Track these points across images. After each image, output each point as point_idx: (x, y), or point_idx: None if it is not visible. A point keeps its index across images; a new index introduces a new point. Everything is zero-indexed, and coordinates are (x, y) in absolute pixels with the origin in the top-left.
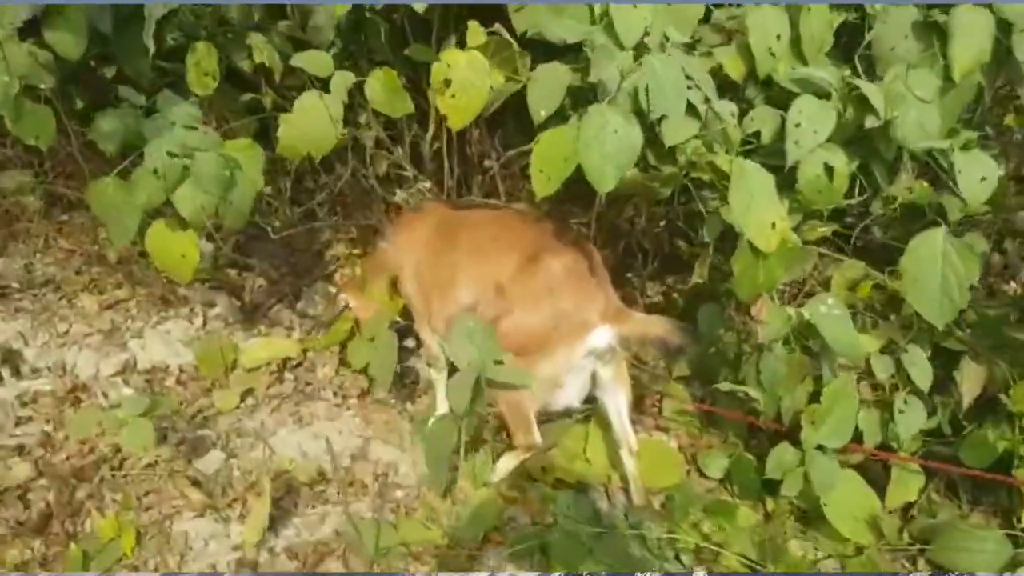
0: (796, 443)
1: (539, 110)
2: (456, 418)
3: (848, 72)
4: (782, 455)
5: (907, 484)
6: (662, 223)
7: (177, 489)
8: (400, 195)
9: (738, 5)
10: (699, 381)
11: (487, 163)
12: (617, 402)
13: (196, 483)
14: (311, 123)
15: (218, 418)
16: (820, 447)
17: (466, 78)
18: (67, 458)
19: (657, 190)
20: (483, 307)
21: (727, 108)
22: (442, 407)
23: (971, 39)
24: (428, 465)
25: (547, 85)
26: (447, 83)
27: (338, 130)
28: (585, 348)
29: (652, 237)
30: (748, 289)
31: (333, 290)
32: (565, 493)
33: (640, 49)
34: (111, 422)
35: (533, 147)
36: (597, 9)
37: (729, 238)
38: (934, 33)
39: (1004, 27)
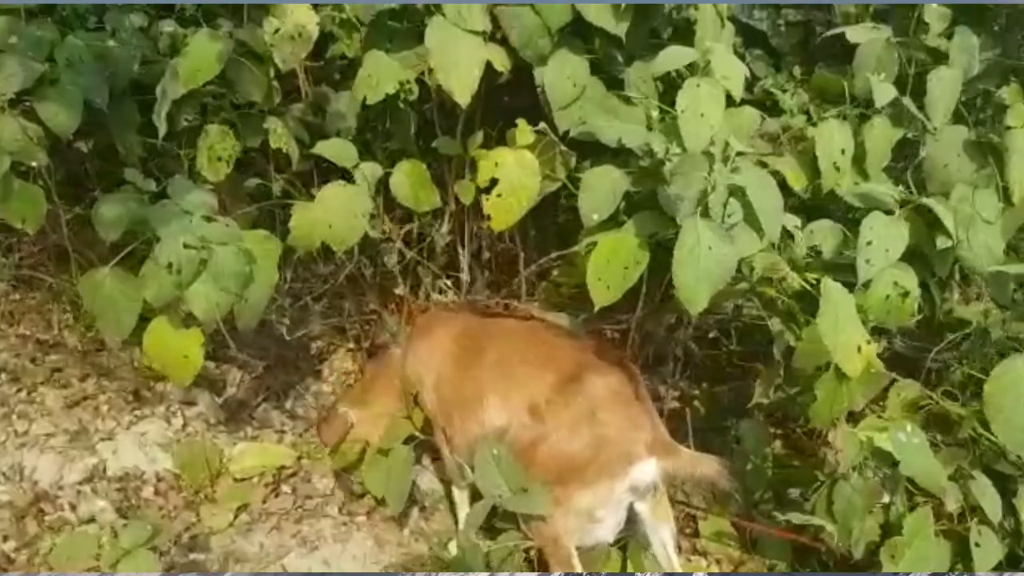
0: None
1: (591, 214)
2: (469, 549)
3: (902, 189)
4: None
5: None
6: (706, 333)
7: None
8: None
9: (792, 114)
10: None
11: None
12: (662, 536)
13: None
14: (335, 215)
15: (210, 539)
16: None
17: (515, 177)
18: None
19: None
20: (515, 430)
21: (791, 221)
22: (464, 528)
23: None
24: None
25: (600, 189)
26: (494, 182)
27: (365, 224)
28: (628, 482)
29: (683, 345)
30: (826, 414)
31: (327, 389)
32: None
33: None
34: (110, 552)
35: (587, 253)
36: (654, 114)
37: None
38: (988, 152)
39: None
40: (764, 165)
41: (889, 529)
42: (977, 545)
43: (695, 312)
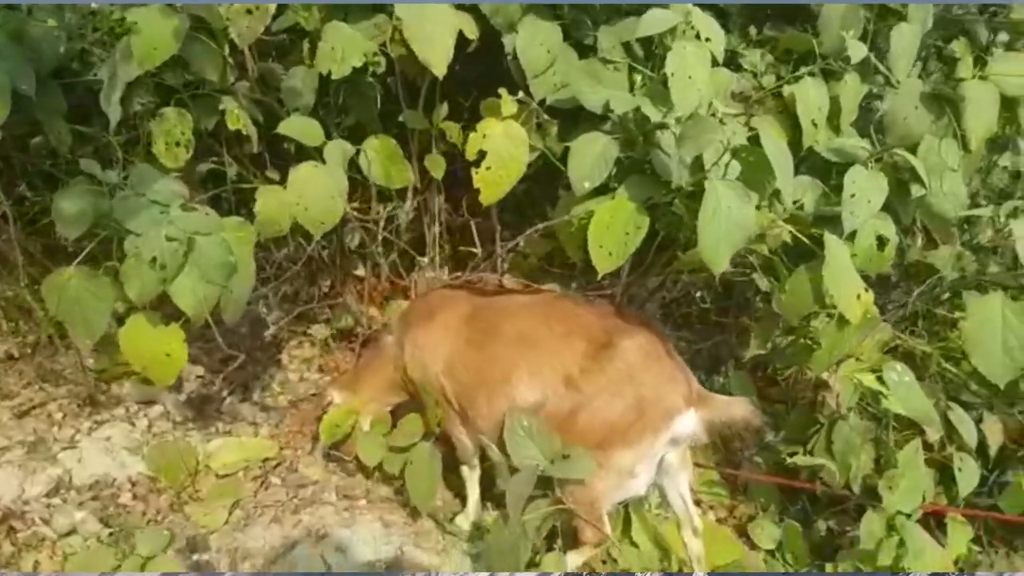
0: (858, 508)
1: (582, 181)
2: (518, 521)
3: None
4: (871, 525)
5: (960, 537)
6: (685, 293)
7: None
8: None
9: (760, 74)
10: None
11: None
12: (679, 484)
13: None
14: (311, 198)
15: (208, 538)
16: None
17: (504, 149)
18: None
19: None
20: (552, 402)
21: None
22: (473, 506)
23: (982, 111)
24: (496, 571)
25: (590, 155)
26: (481, 155)
27: (343, 204)
28: (669, 435)
29: (664, 306)
30: (826, 360)
31: (293, 377)
32: None
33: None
34: (131, 562)
35: (581, 222)
36: (637, 79)
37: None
38: (945, 103)
39: (1007, 101)
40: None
41: (883, 463)
42: (959, 470)
43: (717, 272)
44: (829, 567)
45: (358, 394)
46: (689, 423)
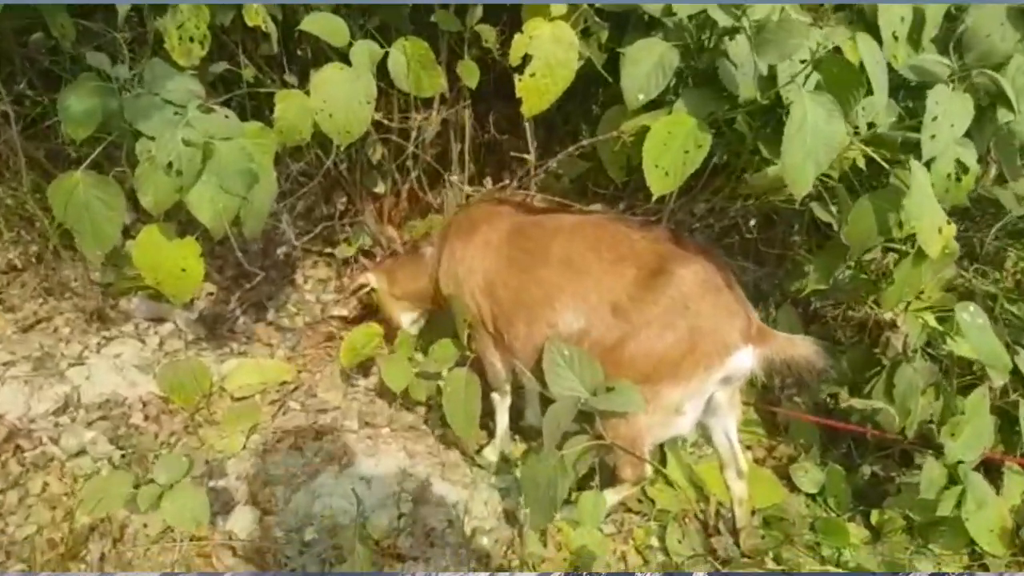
0: (904, 454)
1: (636, 94)
2: (554, 450)
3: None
4: (931, 473)
5: (1015, 487)
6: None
7: (208, 562)
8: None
9: None
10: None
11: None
12: (727, 424)
13: (232, 549)
14: (336, 103)
15: (226, 464)
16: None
17: (551, 54)
18: (38, 530)
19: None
20: (597, 331)
21: None
22: (502, 436)
23: None
24: (531, 507)
25: (646, 64)
26: (526, 59)
27: (371, 111)
28: (724, 372)
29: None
30: (897, 297)
31: (310, 298)
32: (671, 526)
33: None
34: (148, 491)
35: (634, 139)
36: None
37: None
38: None
39: None
40: None
41: (944, 409)
42: None
43: (800, 195)
44: (875, 513)
45: (394, 287)
46: (746, 360)
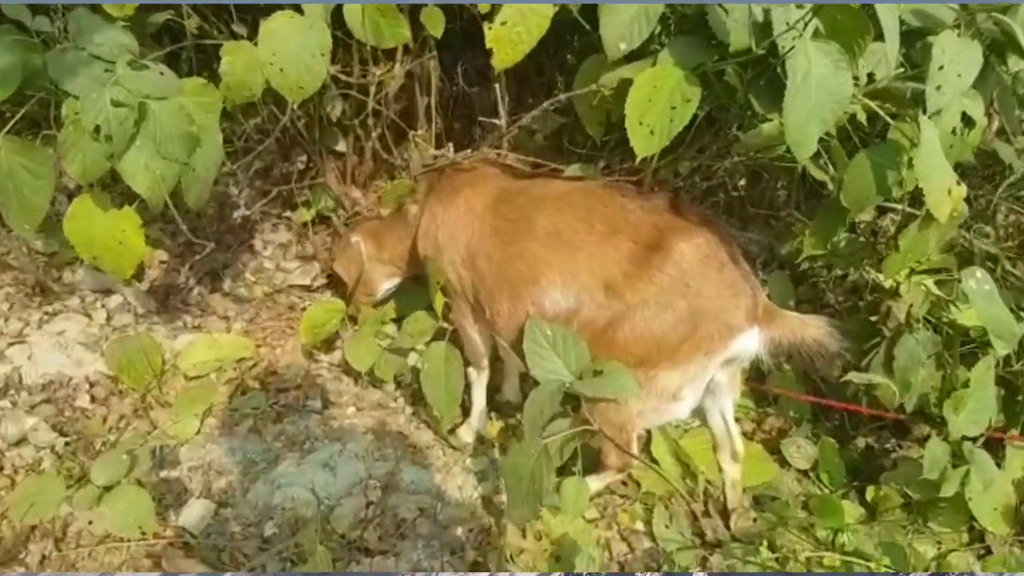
0: (897, 424)
1: (617, 43)
2: (537, 440)
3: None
4: (935, 451)
5: (1017, 462)
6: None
7: (157, 560)
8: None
9: None
10: None
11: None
12: (724, 405)
13: (185, 546)
14: (288, 56)
15: (179, 451)
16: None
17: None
18: None
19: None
20: (588, 311)
21: None
22: (477, 415)
23: None
24: (513, 502)
25: (627, 10)
26: (495, 7)
27: (326, 65)
28: (726, 355)
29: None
30: (901, 264)
31: (269, 266)
32: (658, 509)
33: None
34: (85, 493)
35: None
36: None
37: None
38: None
39: None
40: None
41: (945, 382)
42: None
43: (803, 157)
44: (871, 489)
45: (382, 251)
46: (751, 343)
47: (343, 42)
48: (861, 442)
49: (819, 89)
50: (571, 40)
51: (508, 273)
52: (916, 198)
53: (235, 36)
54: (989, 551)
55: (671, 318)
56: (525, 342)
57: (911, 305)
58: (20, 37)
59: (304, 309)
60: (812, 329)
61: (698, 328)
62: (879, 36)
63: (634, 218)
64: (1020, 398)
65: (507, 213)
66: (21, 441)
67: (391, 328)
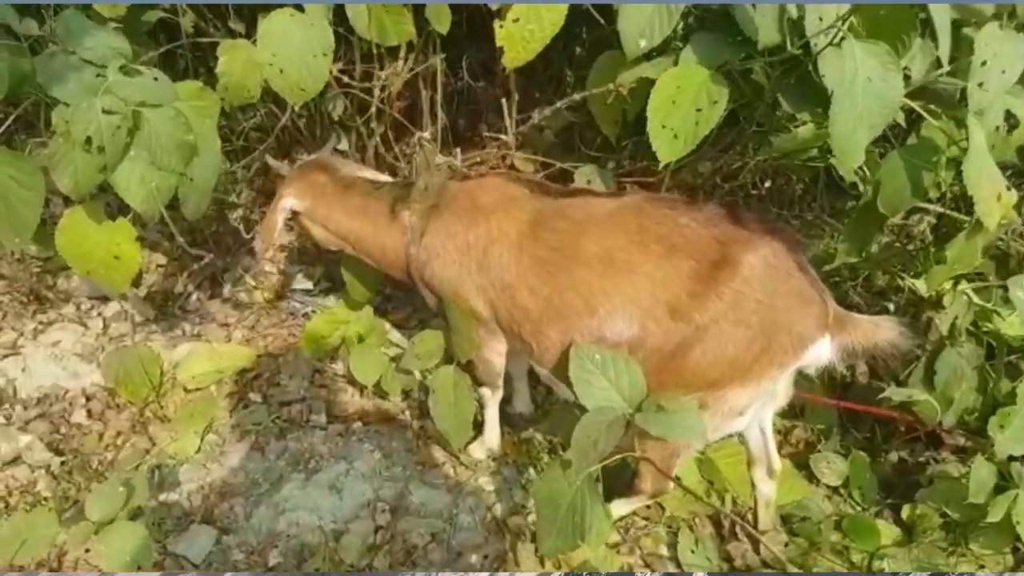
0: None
1: (636, 39)
2: (582, 470)
3: None
4: (981, 473)
5: None
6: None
7: None
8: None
9: None
10: None
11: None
12: (764, 417)
13: None
14: (288, 56)
15: (178, 471)
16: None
17: None
18: None
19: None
20: (655, 338)
21: None
22: (491, 432)
23: None
24: (546, 530)
25: (647, 4)
26: (507, 3)
27: (328, 65)
28: (798, 366)
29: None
30: (947, 275)
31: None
32: (683, 533)
33: None
34: (78, 531)
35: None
36: None
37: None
38: None
39: None
40: None
41: (988, 397)
42: None
43: (851, 167)
44: (906, 508)
45: (328, 219)
46: (823, 352)
47: (345, 37)
48: (894, 456)
49: (867, 93)
50: (580, 32)
51: (559, 306)
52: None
53: (232, 34)
54: None
55: (744, 336)
56: (572, 369)
57: (956, 317)
58: (7, 41)
59: (306, 315)
60: (884, 331)
61: (772, 343)
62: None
63: (691, 233)
64: None
65: (550, 240)
66: (15, 460)
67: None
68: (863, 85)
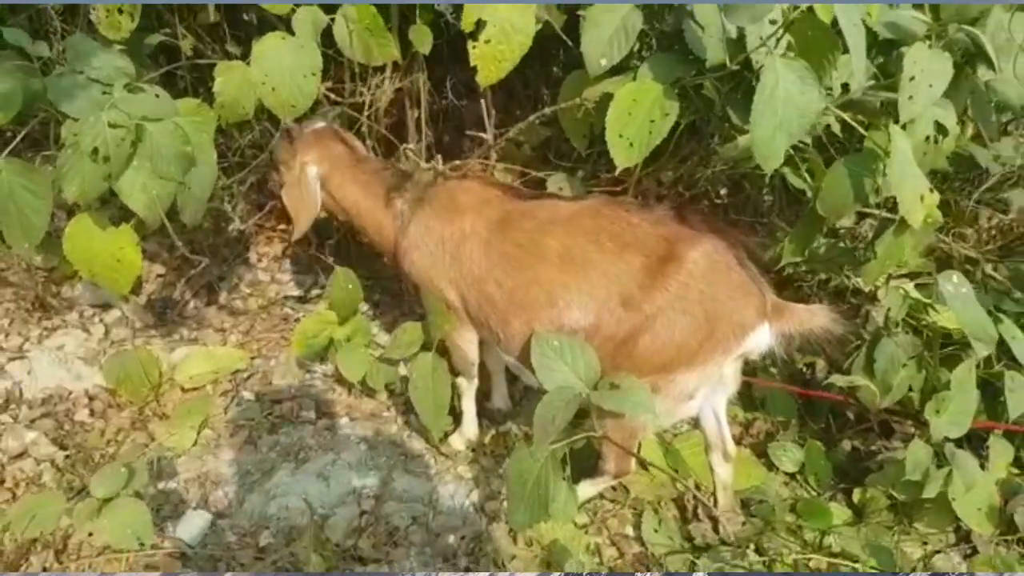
0: (884, 425)
1: (598, 59)
2: (545, 448)
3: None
4: (917, 454)
5: (1001, 459)
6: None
7: (155, 571)
8: None
9: None
10: None
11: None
12: (717, 403)
13: (183, 557)
14: (280, 75)
15: (176, 462)
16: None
17: (507, 19)
18: None
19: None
20: (608, 326)
21: None
22: (469, 423)
23: None
24: (516, 505)
25: (608, 27)
26: (480, 25)
27: (317, 83)
28: (740, 352)
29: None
30: (879, 271)
31: (264, 278)
32: (647, 514)
33: None
34: (84, 507)
35: (597, 106)
36: None
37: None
38: None
39: None
40: None
41: (926, 384)
42: (1011, 391)
43: (770, 169)
44: (857, 491)
45: (340, 189)
46: (763, 338)
47: (334, 59)
48: (847, 445)
49: (786, 104)
50: (557, 54)
51: (522, 298)
52: (894, 204)
53: (228, 56)
54: (976, 551)
55: (689, 323)
56: (533, 355)
57: (888, 309)
58: (21, 62)
59: (298, 320)
60: (818, 317)
61: (715, 330)
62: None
63: (641, 232)
64: (1002, 399)
65: (516, 239)
66: (22, 454)
67: (382, 337)
68: (783, 97)
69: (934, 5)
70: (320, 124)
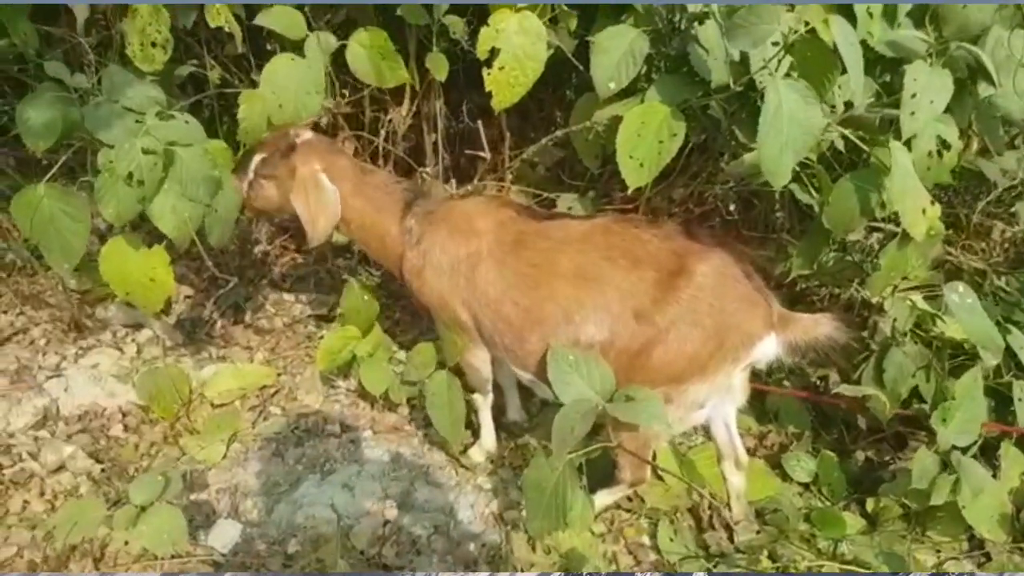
0: (897, 437)
1: (607, 82)
2: (562, 458)
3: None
4: (923, 462)
5: (1014, 467)
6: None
7: None
8: None
9: None
10: None
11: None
12: (728, 413)
13: (215, 565)
14: (285, 93)
15: (207, 475)
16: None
17: (519, 46)
18: (18, 552)
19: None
20: (622, 340)
21: None
22: (487, 436)
23: None
24: (534, 513)
25: (616, 52)
26: (494, 52)
27: (319, 101)
28: (748, 362)
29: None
30: (884, 282)
31: (288, 298)
32: (663, 523)
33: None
34: (124, 514)
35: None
36: None
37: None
38: None
39: None
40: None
41: (935, 393)
42: (1019, 400)
43: (779, 185)
44: (870, 501)
45: (355, 203)
46: (770, 348)
47: (354, 84)
48: (860, 455)
49: (790, 123)
50: (569, 78)
51: (538, 316)
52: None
53: (254, 84)
54: (988, 558)
55: (700, 335)
56: (550, 370)
57: (895, 320)
58: (59, 93)
59: (321, 338)
60: (822, 326)
61: (724, 340)
62: None
63: (652, 248)
64: (1012, 409)
65: (531, 259)
66: (60, 468)
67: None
68: (787, 116)
69: (937, 24)
70: (309, 134)
